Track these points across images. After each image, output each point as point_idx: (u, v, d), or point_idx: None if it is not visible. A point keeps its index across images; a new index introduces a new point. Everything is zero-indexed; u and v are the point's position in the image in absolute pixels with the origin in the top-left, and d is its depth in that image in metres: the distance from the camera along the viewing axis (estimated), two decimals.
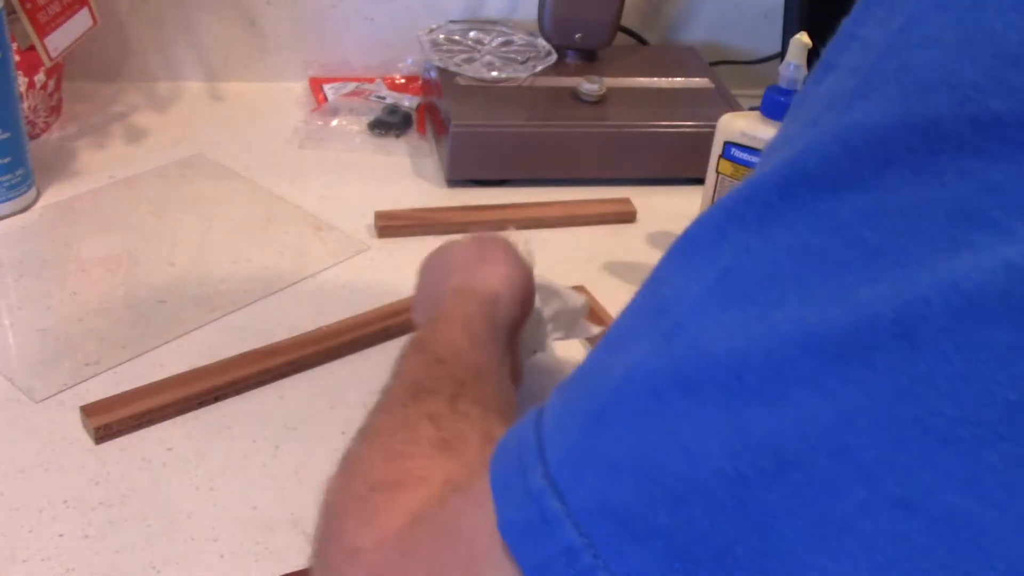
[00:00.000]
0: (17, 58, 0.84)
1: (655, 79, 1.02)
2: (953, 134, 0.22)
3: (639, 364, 0.26)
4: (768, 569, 0.23)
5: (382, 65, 1.09)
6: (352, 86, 1.06)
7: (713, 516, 0.23)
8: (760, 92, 0.77)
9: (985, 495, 0.20)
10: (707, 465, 0.24)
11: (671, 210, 0.90)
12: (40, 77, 0.90)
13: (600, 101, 0.96)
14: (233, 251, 0.81)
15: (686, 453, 0.24)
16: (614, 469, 0.26)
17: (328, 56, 1.08)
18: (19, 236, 0.82)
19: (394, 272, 0.80)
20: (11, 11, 0.81)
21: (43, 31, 0.84)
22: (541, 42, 1.02)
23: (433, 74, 0.99)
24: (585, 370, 0.30)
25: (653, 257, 0.32)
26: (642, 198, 0.91)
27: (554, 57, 1.00)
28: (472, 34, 1.03)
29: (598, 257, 0.84)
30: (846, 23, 0.27)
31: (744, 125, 0.77)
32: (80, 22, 0.89)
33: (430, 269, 0.61)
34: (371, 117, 1.00)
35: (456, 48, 1.01)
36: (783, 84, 0.75)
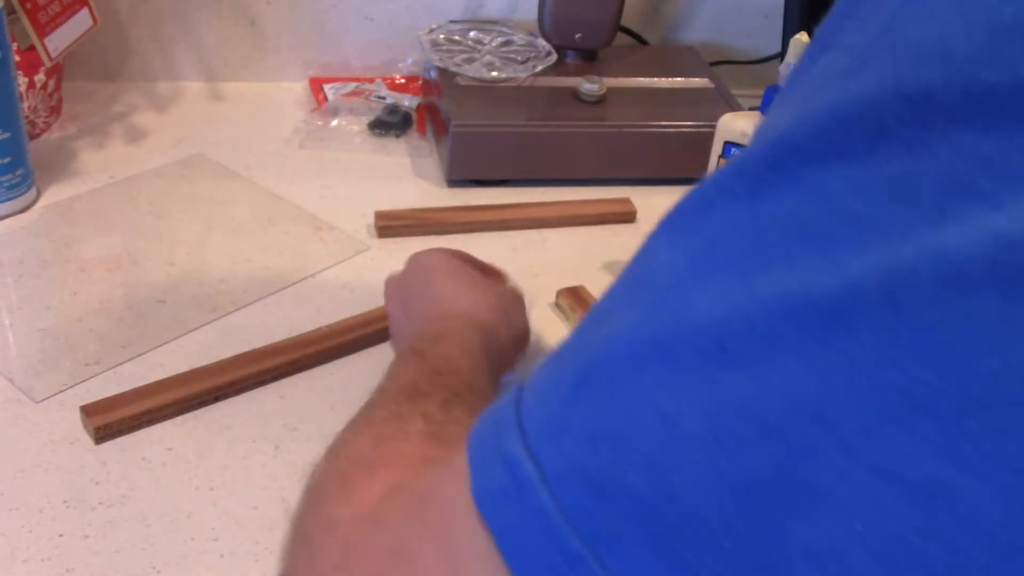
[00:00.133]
0: (17, 58, 0.84)
1: (655, 79, 1.02)
2: (945, 106, 0.21)
3: (620, 334, 0.26)
4: (741, 535, 0.23)
5: (382, 65, 1.09)
6: (352, 86, 1.06)
7: (687, 481, 0.23)
8: (760, 92, 0.77)
9: (965, 464, 0.20)
10: (684, 430, 0.23)
11: None
12: (40, 77, 0.90)
13: (600, 101, 0.96)
14: (233, 251, 0.81)
15: (663, 419, 0.24)
16: (591, 436, 0.25)
17: (328, 56, 1.08)
18: (19, 236, 0.82)
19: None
20: (11, 11, 0.81)
21: (43, 31, 0.84)
22: (541, 42, 1.02)
23: (433, 74, 0.99)
24: (567, 344, 0.29)
25: None
26: (642, 198, 0.91)
27: (554, 57, 1.00)
28: (472, 34, 1.03)
29: (598, 257, 0.84)
30: (840, 2, 0.27)
31: (744, 125, 0.77)
32: (80, 22, 0.89)
33: (432, 275, 0.62)
34: (371, 117, 1.00)
35: (456, 48, 1.01)
36: (783, 84, 0.75)
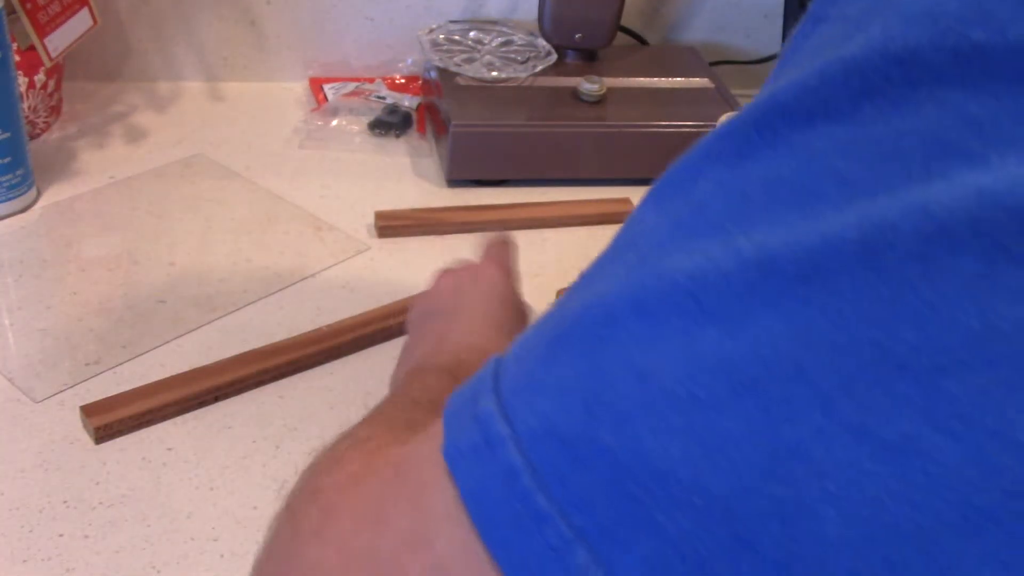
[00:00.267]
0: (17, 58, 0.84)
1: (655, 79, 1.02)
2: (933, 65, 0.21)
3: (600, 293, 0.26)
4: (711, 493, 0.22)
5: (382, 65, 1.09)
6: (352, 86, 1.06)
7: (659, 437, 0.23)
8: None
9: (941, 424, 0.20)
10: (658, 386, 0.23)
11: None
12: (40, 77, 0.90)
13: (600, 101, 0.96)
14: (233, 251, 0.81)
15: (637, 374, 0.23)
16: (564, 392, 0.25)
17: (328, 56, 1.08)
18: (19, 236, 0.82)
19: (394, 272, 0.80)
20: (11, 11, 0.81)
21: (43, 31, 0.84)
22: (541, 42, 1.02)
23: (433, 74, 0.99)
24: (550, 311, 0.29)
25: None
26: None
27: (554, 57, 1.00)
28: (472, 34, 1.03)
29: None
30: None
31: None
32: (80, 22, 0.89)
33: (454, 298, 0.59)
34: (371, 117, 1.00)
35: (456, 48, 1.01)
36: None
